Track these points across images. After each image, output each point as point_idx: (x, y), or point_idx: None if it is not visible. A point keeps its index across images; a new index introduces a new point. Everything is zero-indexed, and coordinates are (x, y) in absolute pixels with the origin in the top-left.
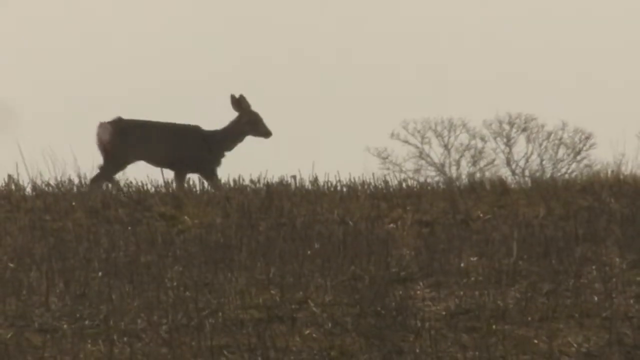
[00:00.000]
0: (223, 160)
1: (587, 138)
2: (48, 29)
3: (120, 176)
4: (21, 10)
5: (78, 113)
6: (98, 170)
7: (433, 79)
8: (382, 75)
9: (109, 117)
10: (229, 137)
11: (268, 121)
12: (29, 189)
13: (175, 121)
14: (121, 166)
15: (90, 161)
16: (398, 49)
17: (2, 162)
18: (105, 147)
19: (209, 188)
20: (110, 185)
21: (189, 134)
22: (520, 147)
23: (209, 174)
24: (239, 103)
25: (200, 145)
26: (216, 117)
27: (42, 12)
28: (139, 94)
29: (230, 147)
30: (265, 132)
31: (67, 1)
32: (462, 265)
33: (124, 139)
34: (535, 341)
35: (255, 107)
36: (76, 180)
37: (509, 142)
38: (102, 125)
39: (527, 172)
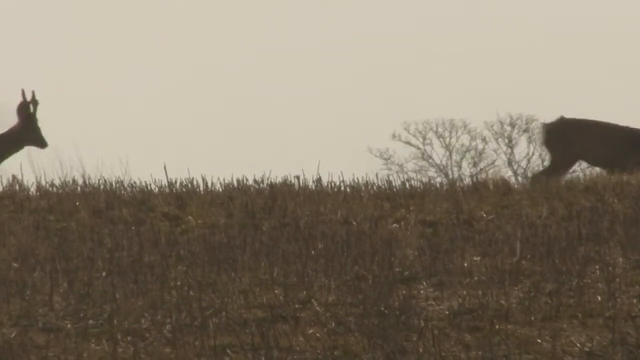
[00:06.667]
0: None
1: None
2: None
3: (123, 176)
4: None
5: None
6: (546, 167)
7: (434, 79)
8: (383, 76)
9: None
10: None
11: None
12: (33, 189)
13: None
14: (568, 165)
15: (94, 161)
16: (399, 49)
17: (9, 162)
18: (547, 147)
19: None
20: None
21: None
22: (522, 148)
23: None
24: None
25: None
26: None
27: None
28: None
29: None
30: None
31: None
32: (465, 265)
33: (568, 138)
34: (539, 341)
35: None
36: (80, 181)
37: (510, 143)
38: (545, 126)
39: (529, 173)
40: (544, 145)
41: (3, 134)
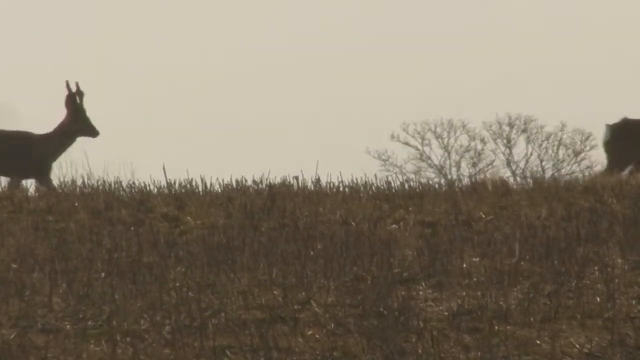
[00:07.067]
0: None
1: (587, 139)
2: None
3: (124, 177)
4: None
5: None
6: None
7: (433, 80)
8: (382, 76)
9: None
10: None
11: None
12: (32, 190)
13: None
14: (626, 165)
15: (98, 162)
16: (398, 50)
17: None
18: (608, 147)
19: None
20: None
21: None
22: (521, 148)
23: None
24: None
25: None
26: None
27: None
28: None
29: None
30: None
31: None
32: (464, 266)
33: (631, 139)
34: (538, 342)
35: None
36: (79, 182)
37: (509, 144)
38: (609, 127)
39: (527, 174)
40: (605, 145)
41: (55, 131)
